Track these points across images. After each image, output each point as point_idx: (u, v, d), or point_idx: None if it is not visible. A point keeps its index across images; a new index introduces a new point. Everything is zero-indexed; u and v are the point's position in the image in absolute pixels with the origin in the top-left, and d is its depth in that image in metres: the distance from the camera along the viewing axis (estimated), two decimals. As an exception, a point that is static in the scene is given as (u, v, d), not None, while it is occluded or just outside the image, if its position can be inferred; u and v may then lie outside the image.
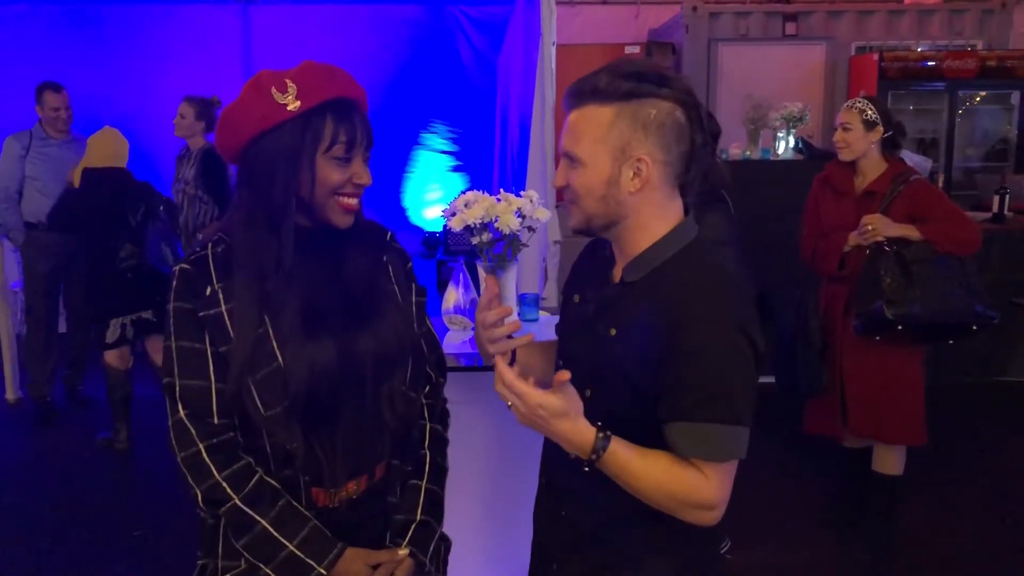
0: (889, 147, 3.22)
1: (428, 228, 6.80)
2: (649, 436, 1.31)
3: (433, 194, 6.85)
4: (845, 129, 3.21)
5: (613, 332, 1.35)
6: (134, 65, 5.75)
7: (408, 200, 6.83)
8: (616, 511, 1.38)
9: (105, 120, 4.56)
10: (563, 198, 1.41)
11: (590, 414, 1.28)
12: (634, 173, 1.31)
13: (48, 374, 4.89)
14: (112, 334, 4.15)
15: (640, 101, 1.30)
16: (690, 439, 1.27)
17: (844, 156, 3.24)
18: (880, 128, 3.17)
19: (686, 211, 1.39)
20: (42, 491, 3.99)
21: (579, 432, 1.27)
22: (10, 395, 5.08)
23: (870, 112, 3.17)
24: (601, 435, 1.26)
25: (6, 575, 3.25)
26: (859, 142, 3.19)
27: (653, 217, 1.35)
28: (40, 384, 4.88)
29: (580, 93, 1.33)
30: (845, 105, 3.28)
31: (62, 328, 5.06)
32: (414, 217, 6.82)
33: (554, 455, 1.46)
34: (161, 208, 4.22)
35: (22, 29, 5.55)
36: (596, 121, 1.31)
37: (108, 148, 4.15)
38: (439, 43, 6.29)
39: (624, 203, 1.33)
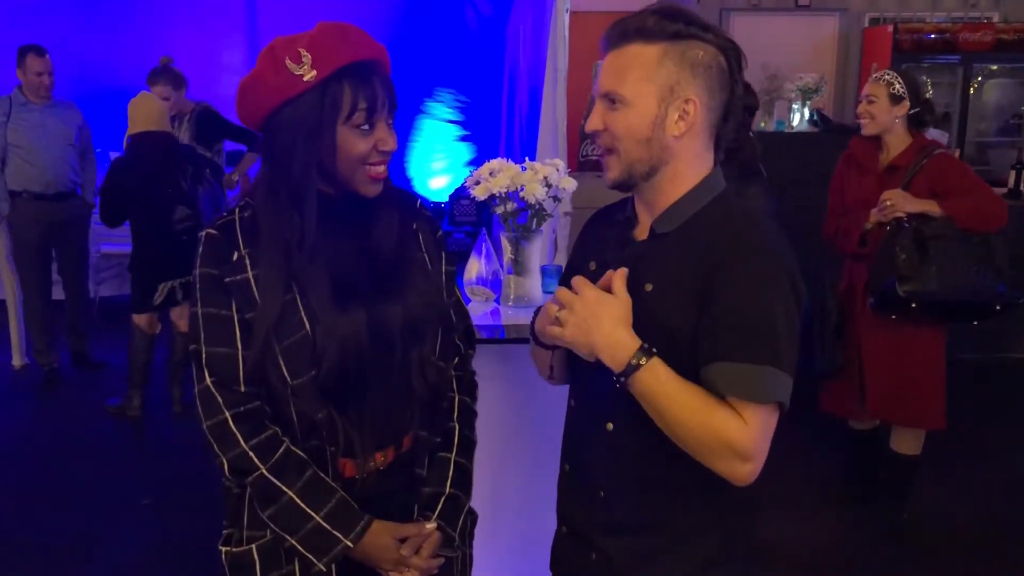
0: (916, 124, 3.13)
1: (433, 198, 6.73)
2: None
3: (438, 163, 6.77)
4: (870, 101, 3.11)
5: (648, 288, 1.29)
6: (136, 32, 5.66)
7: (413, 170, 6.76)
8: (655, 488, 1.33)
9: (108, 88, 4.48)
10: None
11: None
12: (679, 116, 1.27)
13: (48, 342, 4.85)
14: (158, 296, 4.11)
15: (688, 42, 1.27)
16: (728, 378, 1.19)
17: (867, 130, 3.15)
18: (907, 103, 3.07)
19: (715, 164, 1.35)
20: (48, 458, 3.96)
21: (625, 338, 1.22)
22: (16, 361, 5.04)
23: (897, 86, 3.08)
24: (646, 345, 1.21)
25: (11, 543, 3.23)
26: (883, 115, 3.10)
27: (690, 166, 1.31)
28: (43, 351, 4.85)
29: (624, 33, 1.28)
30: (872, 77, 3.18)
31: (59, 295, 4.99)
32: (419, 187, 6.75)
33: (583, 437, 1.42)
34: (207, 171, 4.16)
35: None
36: (642, 59, 1.27)
37: (147, 111, 4.07)
38: (445, 10, 6.20)
39: (668, 148, 1.29)
